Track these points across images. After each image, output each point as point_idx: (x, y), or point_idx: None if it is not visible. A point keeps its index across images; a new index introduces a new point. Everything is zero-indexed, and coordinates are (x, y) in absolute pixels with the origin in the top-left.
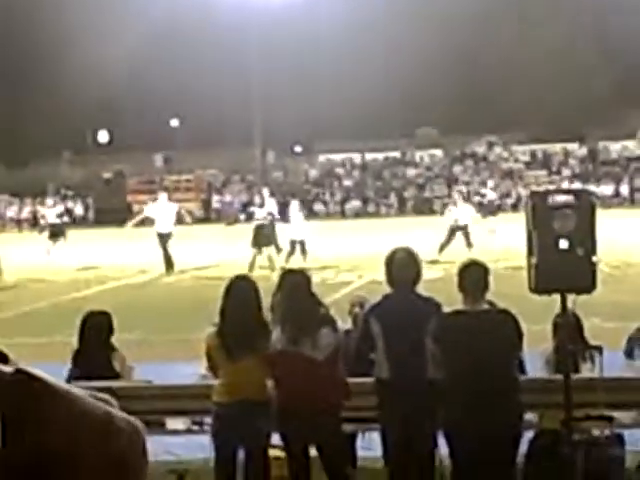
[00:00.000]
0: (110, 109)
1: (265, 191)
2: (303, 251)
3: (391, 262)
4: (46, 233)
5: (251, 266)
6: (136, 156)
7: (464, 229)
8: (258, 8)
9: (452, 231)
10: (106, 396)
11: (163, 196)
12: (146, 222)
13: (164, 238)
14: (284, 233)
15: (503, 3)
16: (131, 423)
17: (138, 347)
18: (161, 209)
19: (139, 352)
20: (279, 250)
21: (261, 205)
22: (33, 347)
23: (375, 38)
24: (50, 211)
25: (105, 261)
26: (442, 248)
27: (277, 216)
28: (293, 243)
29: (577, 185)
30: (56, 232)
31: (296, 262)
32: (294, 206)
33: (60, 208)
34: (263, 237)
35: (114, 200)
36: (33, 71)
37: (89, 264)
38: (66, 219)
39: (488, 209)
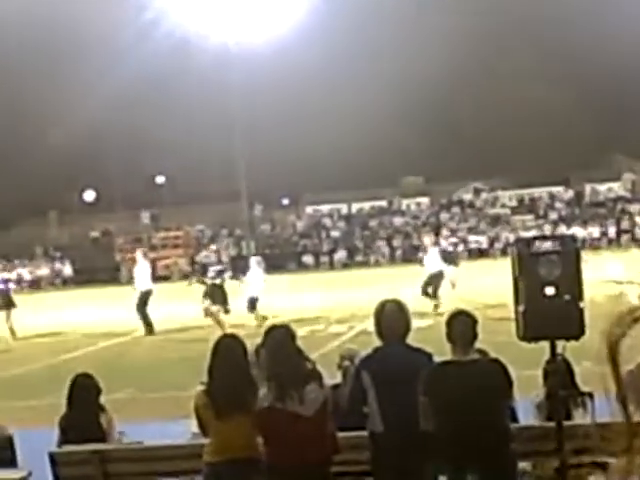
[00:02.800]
0: (94, 169)
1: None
2: (253, 308)
3: (381, 314)
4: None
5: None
6: (123, 214)
7: (438, 276)
8: (241, 60)
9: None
10: None
11: (138, 254)
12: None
13: (143, 297)
14: (243, 290)
15: (482, 56)
16: None
17: (127, 406)
18: (138, 267)
19: (128, 411)
20: (227, 311)
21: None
22: (21, 410)
23: (359, 90)
24: None
25: (94, 320)
26: (426, 293)
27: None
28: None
29: (564, 228)
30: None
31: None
32: (254, 261)
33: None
34: (217, 296)
35: (102, 259)
36: (17, 130)
37: (77, 324)
38: (11, 285)
39: (448, 258)
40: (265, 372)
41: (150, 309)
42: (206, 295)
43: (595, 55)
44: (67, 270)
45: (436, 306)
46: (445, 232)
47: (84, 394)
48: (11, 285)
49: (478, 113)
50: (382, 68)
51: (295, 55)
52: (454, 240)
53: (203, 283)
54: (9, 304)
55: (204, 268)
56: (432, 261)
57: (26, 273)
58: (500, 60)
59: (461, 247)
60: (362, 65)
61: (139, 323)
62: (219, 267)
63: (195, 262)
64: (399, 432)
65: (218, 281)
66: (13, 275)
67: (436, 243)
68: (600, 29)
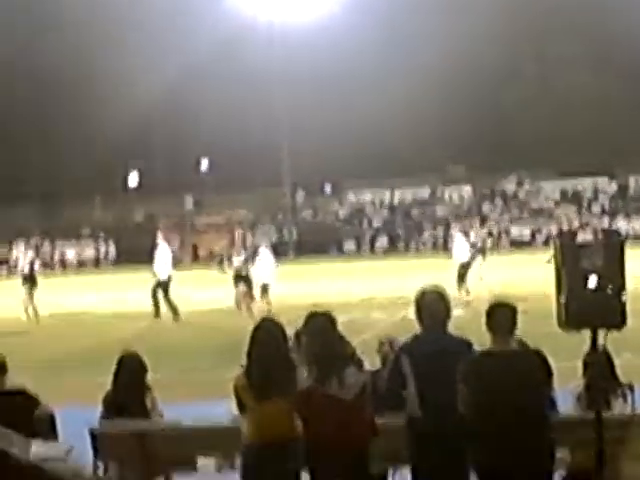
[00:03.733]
0: (139, 153)
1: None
2: (265, 293)
3: (421, 301)
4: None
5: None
6: (166, 199)
7: (466, 267)
8: (285, 47)
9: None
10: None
11: (159, 235)
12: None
13: (163, 285)
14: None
15: (529, 44)
16: None
17: (169, 387)
18: (159, 252)
19: (168, 392)
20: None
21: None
22: (64, 389)
23: (405, 77)
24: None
25: (136, 301)
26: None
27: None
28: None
29: (607, 220)
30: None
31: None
32: (263, 249)
33: (30, 255)
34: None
35: (145, 242)
36: (65, 116)
37: (121, 305)
38: (36, 267)
39: (477, 250)
40: (305, 356)
41: (188, 292)
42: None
43: None
44: (111, 252)
45: (467, 293)
46: (475, 224)
47: (131, 373)
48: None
49: (523, 103)
50: (428, 55)
51: (340, 41)
52: (484, 231)
53: (224, 272)
54: (32, 284)
55: (229, 258)
56: (460, 251)
57: (72, 253)
58: (547, 48)
59: (503, 238)
60: (408, 50)
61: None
62: (243, 256)
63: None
64: (437, 418)
65: (243, 271)
66: (57, 255)
67: (466, 233)
68: None
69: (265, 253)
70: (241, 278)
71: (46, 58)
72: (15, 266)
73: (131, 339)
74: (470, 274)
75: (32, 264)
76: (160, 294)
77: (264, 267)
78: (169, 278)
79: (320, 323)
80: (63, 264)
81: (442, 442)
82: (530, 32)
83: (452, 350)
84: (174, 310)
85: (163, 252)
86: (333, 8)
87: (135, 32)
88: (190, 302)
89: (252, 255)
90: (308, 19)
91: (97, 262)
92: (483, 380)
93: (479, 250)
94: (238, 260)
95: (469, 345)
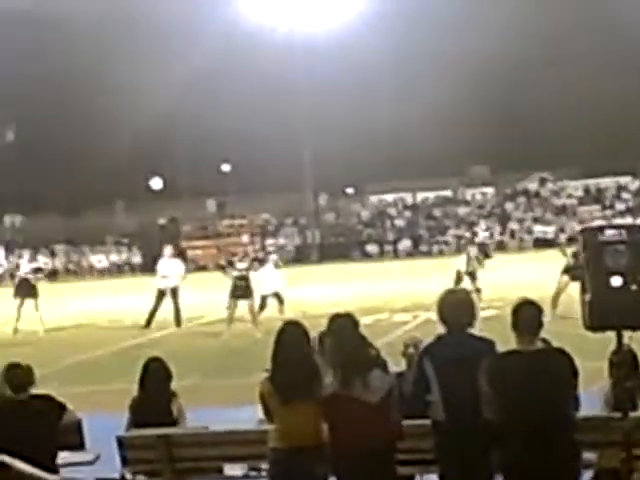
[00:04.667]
0: (162, 156)
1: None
2: (280, 301)
3: (444, 303)
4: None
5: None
6: (189, 202)
7: (471, 274)
8: (305, 48)
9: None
10: None
11: (167, 250)
12: (202, 267)
13: (167, 293)
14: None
15: (553, 43)
16: None
17: (194, 392)
18: (167, 263)
19: (194, 398)
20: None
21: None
22: (91, 395)
23: (424, 77)
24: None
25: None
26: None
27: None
28: (264, 298)
29: (630, 219)
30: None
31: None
32: (272, 259)
33: (34, 264)
34: (238, 289)
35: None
36: (86, 119)
37: (143, 311)
38: (40, 275)
39: (483, 251)
40: (330, 359)
41: (201, 297)
42: (232, 292)
43: None
44: (135, 257)
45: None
46: (482, 225)
47: (156, 378)
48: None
49: (546, 102)
50: (448, 56)
51: (360, 42)
52: (487, 234)
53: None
54: (34, 293)
55: (230, 263)
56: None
57: (95, 260)
58: (572, 47)
59: (526, 237)
60: (428, 54)
61: (201, 311)
62: (245, 263)
63: (260, 250)
64: (461, 420)
65: (244, 273)
66: (84, 262)
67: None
68: None
69: (271, 265)
70: (241, 287)
71: (65, 67)
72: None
73: (156, 343)
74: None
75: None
76: (170, 302)
77: (267, 278)
78: (174, 288)
79: (343, 325)
80: (86, 270)
81: (466, 446)
82: (556, 30)
83: (475, 352)
84: (178, 319)
85: (169, 264)
86: (358, 11)
87: (156, 39)
88: (212, 307)
89: (256, 262)
90: (330, 23)
91: (121, 267)
92: (508, 380)
93: (483, 251)
94: (241, 267)
95: (492, 345)
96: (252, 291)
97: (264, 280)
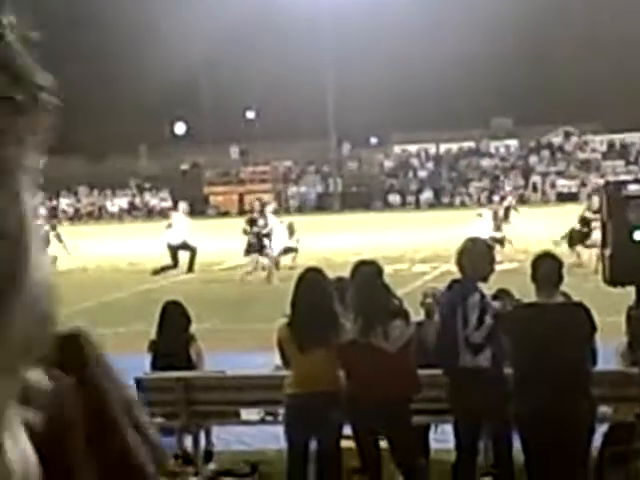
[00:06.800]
0: (186, 102)
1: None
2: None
3: (464, 250)
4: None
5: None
6: (212, 148)
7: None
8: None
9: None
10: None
11: (182, 206)
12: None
13: (176, 250)
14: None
15: None
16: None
17: (212, 337)
18: (178, 221)
19: (213, 342)
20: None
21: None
22: (109, 337)
23: (449, 27)
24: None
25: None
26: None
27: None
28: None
29: None
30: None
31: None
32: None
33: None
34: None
35: (191, 192)
36: (110, 65)
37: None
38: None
39: (498, 220)
40: (352, 307)
41: (222, 243)
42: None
43: None
44: (156, 201)
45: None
46: (503, 189)
47: (174, 322)
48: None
49: (570, 54)
50: (476, 6)
51: None
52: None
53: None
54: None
55: (251, 222)
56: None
57: (115, 204)
58: (596, 1)
59: (550, 190)
60: (453, 5)
61: (226, 257)
62: (262, 221)
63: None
64: (479, 368)
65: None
66: (108, 205)
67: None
68: None
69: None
70: (256, 238)
71: (93, 12)
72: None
73: (174, 286)
74: None
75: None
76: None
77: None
78: (184, 243)
79: (367, 272)
80: (108, 214)
81: (482, 392)
82: None
83: (465, 294)
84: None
85: (181, 221)
86: None
87: None
88: (233, 253)
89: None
90: None
91: (143, 210)
92: (526, 330)
93: (501, 217)
94: (258, 227)
95: (507, 293)
96: (267, 246)
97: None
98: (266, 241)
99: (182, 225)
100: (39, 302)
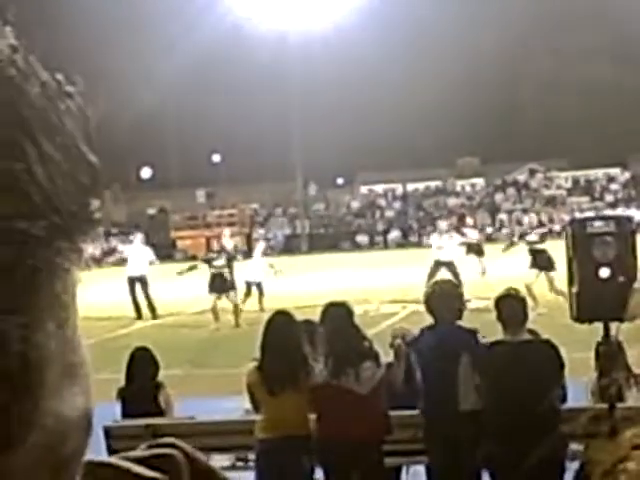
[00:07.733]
0: (152, 146)
1: (226, 232)
2: (260, 292)
3: (431, 295)
4: None
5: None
6: (178, 192)
7: (449, 265)
8: (296, 42)
9: (436, 265)
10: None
11: (139, 237)
12: (191, 257)
13: (135, 282)
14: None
15: (541, 36)
16: None
17: (180, 382)
18: (135, 251)
19: (181, 387)
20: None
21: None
22: None
23: (415, 70)
24: None
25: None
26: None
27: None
28: (249, 285)
29: (620, 211)
30: None
31: (253, 304)
32: (259, 247)
33: None
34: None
35: (158, 236)
36: None
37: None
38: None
39: (472, 248)
40: (322, 349)
41: (189, 288)
42: (211, 287)
43: None
44: (123, 247)
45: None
46: (469, 220)
47: (143, 368)
48: None
49: (535, 94)
50: (439, 49)
51: (352, 35)
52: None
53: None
54: None
55: (208, 261)
56: (445, 249)
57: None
58: (560, 39)
59: (516, 228)
60: (419, 47)
61: (193, 302)
62: (221, 260)
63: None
64: (443, 411)
65: (222, 268)
66: None
67: (457, 230)
68: None
69: (258, 254)
70: (219, 282)
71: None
72: None
73: (143, 333)
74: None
75: None
76: (140, 292)
77: (254, 266)
78: (142, 277)
79: (338, 314)
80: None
81: (446, 434)
82: (543, 23)
83: (456, 341)
84: (152, 309)
85: (139, 251)
86: (351, 8)
87: (147, 29)
88: (200, 297)
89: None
90: (322, 17)
91: (109, 257)
92: (494, 369)
93: (476, 249)
94: (217, 264)
95: (474, 333)
96: (231, 284)
97: (250, 268)
98: (228, 275)
99: (139, 256)
100: (54, 452)
